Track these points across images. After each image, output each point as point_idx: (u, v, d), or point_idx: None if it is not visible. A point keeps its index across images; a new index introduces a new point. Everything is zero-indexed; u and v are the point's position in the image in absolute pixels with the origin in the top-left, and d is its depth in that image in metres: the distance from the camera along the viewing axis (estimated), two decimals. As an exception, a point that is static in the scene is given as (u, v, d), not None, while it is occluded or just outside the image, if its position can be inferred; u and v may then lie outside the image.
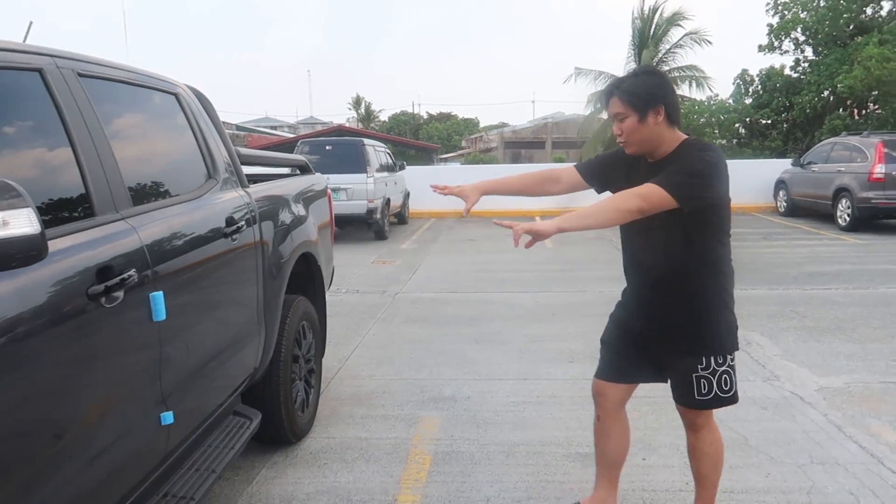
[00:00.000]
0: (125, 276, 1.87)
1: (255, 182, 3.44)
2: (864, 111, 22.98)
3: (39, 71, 1.91)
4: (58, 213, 1.83)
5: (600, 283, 7.60)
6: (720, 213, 2.21)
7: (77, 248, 1.78)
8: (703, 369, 2.26)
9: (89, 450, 1.76)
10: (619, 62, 42.48)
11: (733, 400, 2.34)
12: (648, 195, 2.08)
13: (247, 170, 3.38)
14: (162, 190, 2.47)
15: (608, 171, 2.43)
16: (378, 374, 4.67)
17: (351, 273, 8.50)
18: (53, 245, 1.59)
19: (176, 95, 2.81)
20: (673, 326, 2.31)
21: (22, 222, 1.28)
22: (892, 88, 18.65)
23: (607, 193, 2.39)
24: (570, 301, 6.79)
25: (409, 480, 3.14)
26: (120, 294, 1.85)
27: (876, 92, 21.01)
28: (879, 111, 21.58)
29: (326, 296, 4.22)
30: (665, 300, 2.31)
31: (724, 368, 2.28)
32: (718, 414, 2.45)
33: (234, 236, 2.70)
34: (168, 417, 2.10)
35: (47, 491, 1.58)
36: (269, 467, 3.28)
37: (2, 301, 1.44)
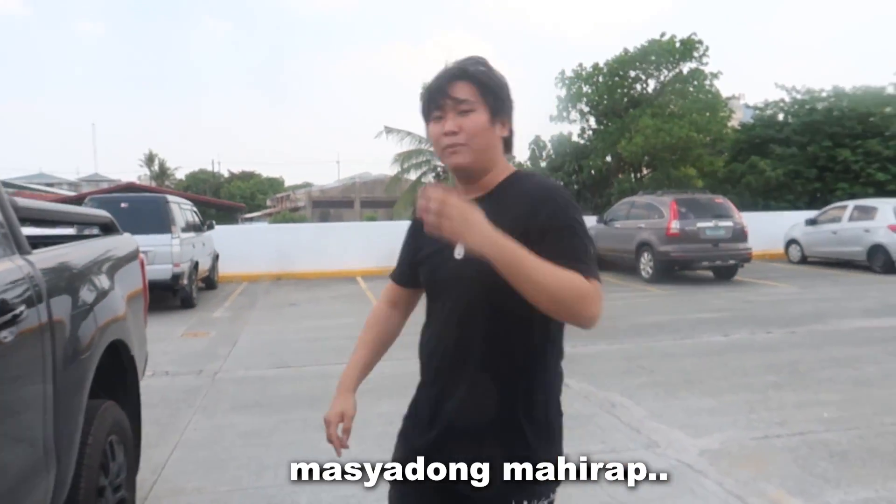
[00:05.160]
0: None
1: (37, 248, 2.44)
2: (638, 174, 25.71)
3: None
4: None
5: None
6: None
7: None
8: None
9: None
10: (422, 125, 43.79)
11: None
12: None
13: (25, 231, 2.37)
14: None
15: (415, 256, 1.67)
16: (208, 484, 3.68)
17: (156, 349, 7.13)
18: None
19: None
20: (492, 446, 1.47)
21: None
22: (665, 154, 21.07)
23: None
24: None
25: None
26: None
27: (647, 157, 23.63)
28: (653, 174, 24.23)
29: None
30: (484, 404, 1.47)
31: None
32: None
33: (7, 331, 1.75)
34: None
35: None
36: None
37: None
